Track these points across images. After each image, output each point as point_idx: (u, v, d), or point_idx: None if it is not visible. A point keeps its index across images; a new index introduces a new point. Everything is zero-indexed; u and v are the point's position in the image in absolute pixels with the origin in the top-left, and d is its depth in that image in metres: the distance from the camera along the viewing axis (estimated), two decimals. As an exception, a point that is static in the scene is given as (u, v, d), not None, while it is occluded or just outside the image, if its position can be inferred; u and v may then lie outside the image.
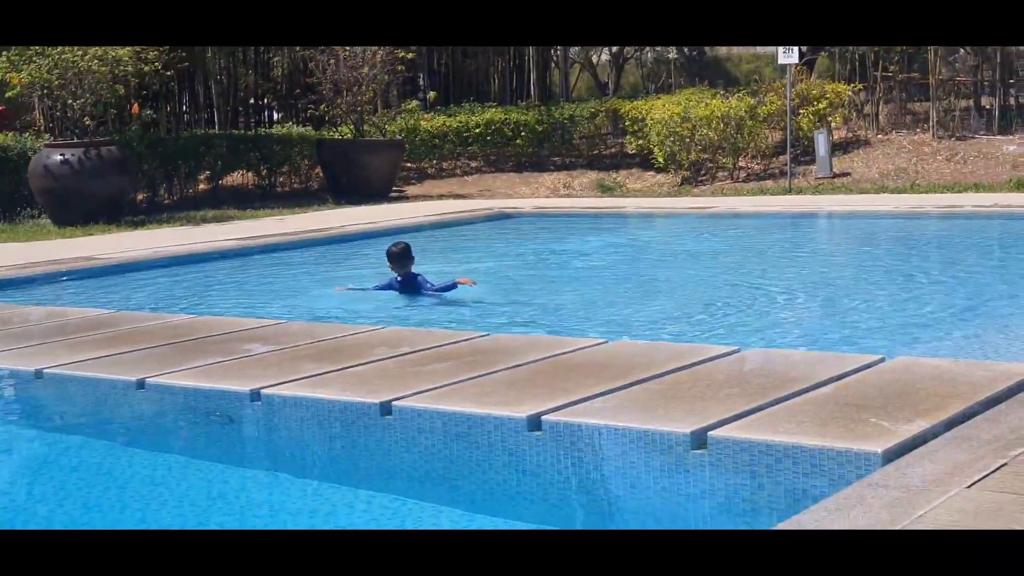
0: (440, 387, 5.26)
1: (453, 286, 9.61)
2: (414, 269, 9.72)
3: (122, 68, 17.68)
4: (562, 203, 19.79)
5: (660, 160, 22.08)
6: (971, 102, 23.94)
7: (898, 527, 3.41)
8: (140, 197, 20.04)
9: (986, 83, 23.87)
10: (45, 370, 6.18)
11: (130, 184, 18.54)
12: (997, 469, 3.89)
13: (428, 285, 9.64)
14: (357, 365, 5.82)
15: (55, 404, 6.24)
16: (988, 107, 23.36)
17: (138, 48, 17.78)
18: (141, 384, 5.78)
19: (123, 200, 17.87)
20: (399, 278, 9.68)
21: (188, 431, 5.65)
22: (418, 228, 15.79)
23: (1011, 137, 21.78)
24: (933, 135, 22.28)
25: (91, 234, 15.68)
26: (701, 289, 10.60)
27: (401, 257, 9.68)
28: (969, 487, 3.74)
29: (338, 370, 5.72)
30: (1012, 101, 23.22)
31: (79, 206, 16.64)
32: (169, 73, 19.80)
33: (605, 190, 21.93)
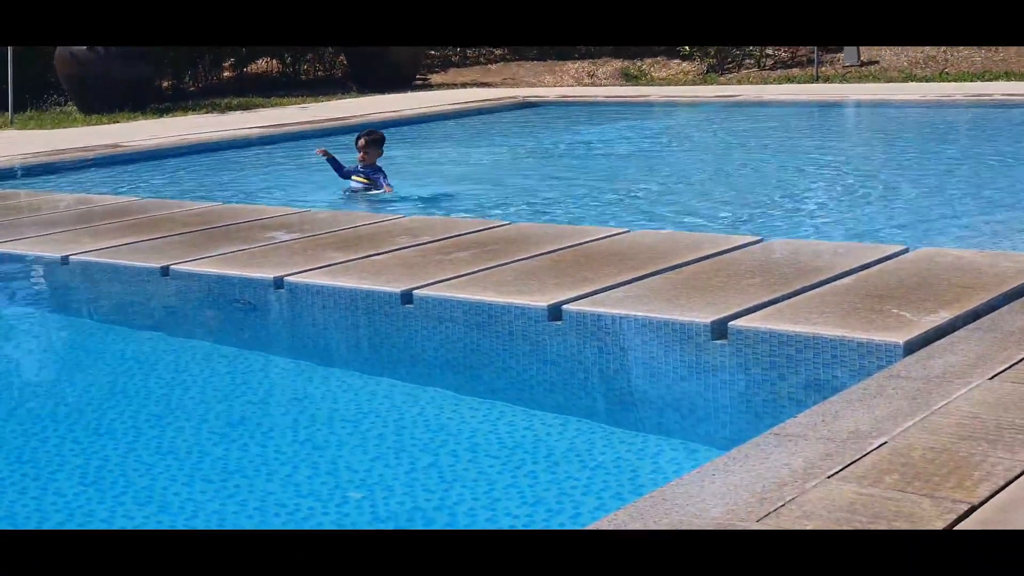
0: (461, 276, 5.27)
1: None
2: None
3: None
4: (586, 92, 19.64)
5: (686, 48, 21.84)
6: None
7: (919, 418, 3.41)
8: (165, 84, 19.98)
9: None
10: (71, 256, 6.22)
11: (155, 72, 18.48)
12: (1021, 360, 3.88)
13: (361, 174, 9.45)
14: (379, 254, 5.83)
15: (81, 290, 6.28)
16: (1022, -6, 22.97)
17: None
18: (165, 271, 5.81)
19: (148, 87, 17.84)
20: (362, 167, 9.48)
21: (212, 318, 5.69)
22: (441, 117, 15.72)
23: (1044, 25, 21.43)
24: (965, 23, 21.94)
25: (116, 121, 15.66)
26: (724, 178, 10.55)
27: (380, 144, 9.49)
28: (991, 378, 3.74)
29: (360, 258, 5.73)
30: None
31: (105, 93, 16.61)
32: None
33: (629, 79, 21.73)
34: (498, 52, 24.38)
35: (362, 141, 9.44)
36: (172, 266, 5.82)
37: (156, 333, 5.90)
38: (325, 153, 9.51)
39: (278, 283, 5.43)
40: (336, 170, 9.46)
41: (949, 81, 18.31)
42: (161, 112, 16.72)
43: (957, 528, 2.75)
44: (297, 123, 14.66)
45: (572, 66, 23.13)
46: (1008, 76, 18.32)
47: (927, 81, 18.49)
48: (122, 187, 10.48)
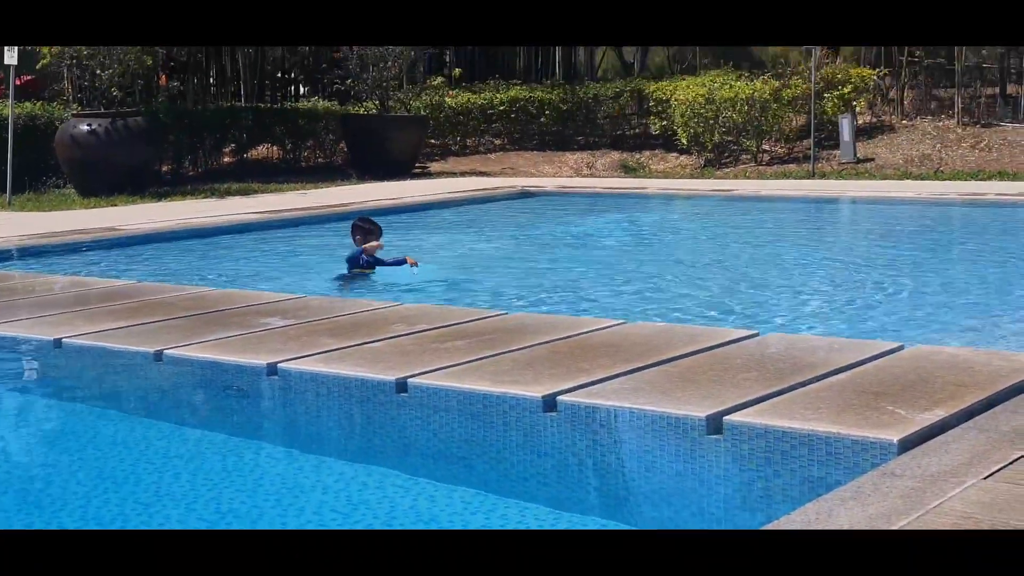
0: (456, 365, 5.26)
1: (401, 261, 9.58)
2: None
3: (148, 39, 17.71)
4: (585, 183, 19.76)
5: (683, 142, 22.01)
6: (997, 89, 23.77)
7: (913, 517, 3.39)
8: (165, 168, 20.08)
9: (1012, 70, 23.69)
10: (64, 339, 6.20)
11: (155, 155, 18.59)
12: (1015, 461, 3.87)
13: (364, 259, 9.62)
14: (375, 341, 5.82)
15: (74, 374, 6.26)
16: (1014, 94, 23.19)
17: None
18: (159, 356, 5.80)
19: (148, 171, 17.93)
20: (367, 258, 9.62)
21: (205, 404, 5.67)
22: (440, 205, 15.80)
23: (1038, 125, 21.64)
24: (958, 122, 22.14)
25: (115, 204, 15.73)
26: (721, 272, 10.58)
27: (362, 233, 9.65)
28: (986, 478, 3.72)
29: (355, 345, 5.72)
30: (1040, 89, 23.05)
31: (104, 176, 16.68)
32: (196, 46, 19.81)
33: (628, 171, 21.88)
34: (497, 142, 24.55)
35: (360, 234, 9.60)
36: (166, 351, 5.80)
37: (148, 418, 5.87)
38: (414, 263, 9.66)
39: (271, 370, 5.41)
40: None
41: (944, 179, 18.45)
42: (160, 196, 16.79)
43: None
44: (296, 209, 14.72)
45: (571, 157, 23.29)
46: (1001, 176, 18.47)
47: (922, 179, 18.63)
48: (118, 270, 10.49)
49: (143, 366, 5.84)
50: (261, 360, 5.49)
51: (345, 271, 9.67)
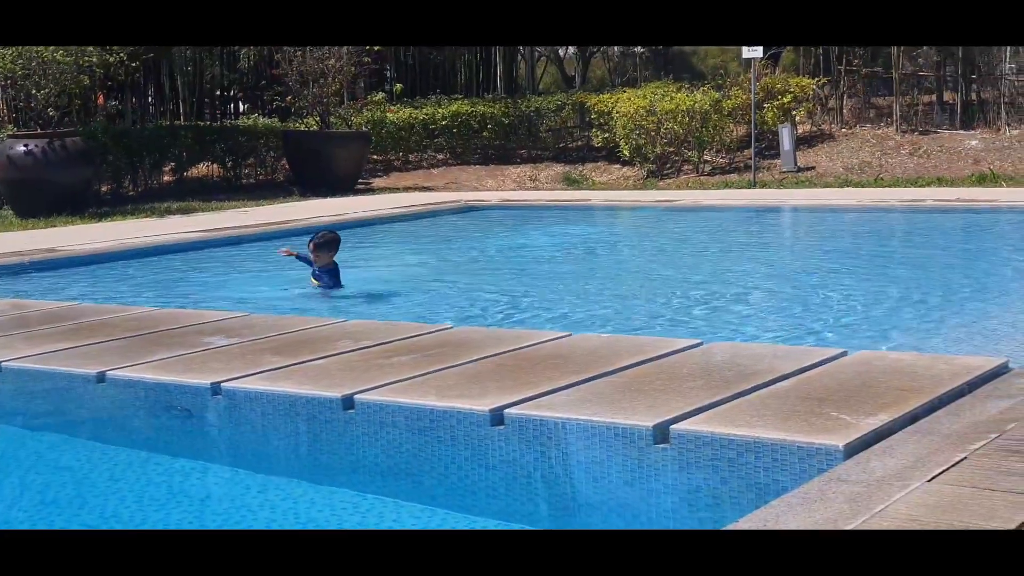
0: (403, 380, 5.24)
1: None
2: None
3: (87, 59, 17.57)
4: (528, 196, 19.79)
5: (626, 153, 22.12)
6: (934, 97, 24.07)
7: (859, 521, 3.42)
8: (104, 189, 19.92)
9: (949, 78, 24.00)
10: (4, 363, 6.13)
11: (94, 176, 18.44)
12: (957, 463, 3.90)
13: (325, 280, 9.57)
14: (320, 358, 5.80)
15: (15, 397, 6.18)
16: (951, 102, 23.50)
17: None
18: (101, 377, 5.74)
19: (87, 192, 17.77)
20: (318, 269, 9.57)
21: (149, 425, 5.61)
22: (384, 220, 15.77)
23: (973, 132, 21.93)
24: (897, 129, 22.41)
25: (54, 225, 15.57)
26: (665, 282, 10.62)
27: (334, 246, 9.60)
28: (929, 481, 3.75)
29: (301, 363, 5.69)
30: (974, 96, 23.36)
31: (42, 197, 16.52)
32: (135, 64, 19.68)
33: (571, 183, 21.95)
34: (440, 156, 24.56)
35: (311, 245, 9.52)
36: (108, 372, 5.75)
37: (92, 441, 5.81)
38: (289, 253, 9.63)
39: (215, 389, 5.37)
40: (306, 262, 9.60)
41: (884, 187, 18.64)
42: (100, 216, 16.64)
43: None
44: (237, 227, 14.64)
45: (514, 170, 23.34)
46: (940, 182, 18.69)
47: (862, 187, 18.81)
48: (58, 292, 10.38)
49: (85, 388, 5.78)
50: (205, 380, 5.45)
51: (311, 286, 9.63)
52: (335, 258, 9.54)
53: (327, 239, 9.55)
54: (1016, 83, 22.35)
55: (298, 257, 9.66)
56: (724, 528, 3.53)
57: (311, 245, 9.53)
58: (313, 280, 9.56)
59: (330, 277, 9.49)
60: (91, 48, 17.46)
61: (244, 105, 28.24)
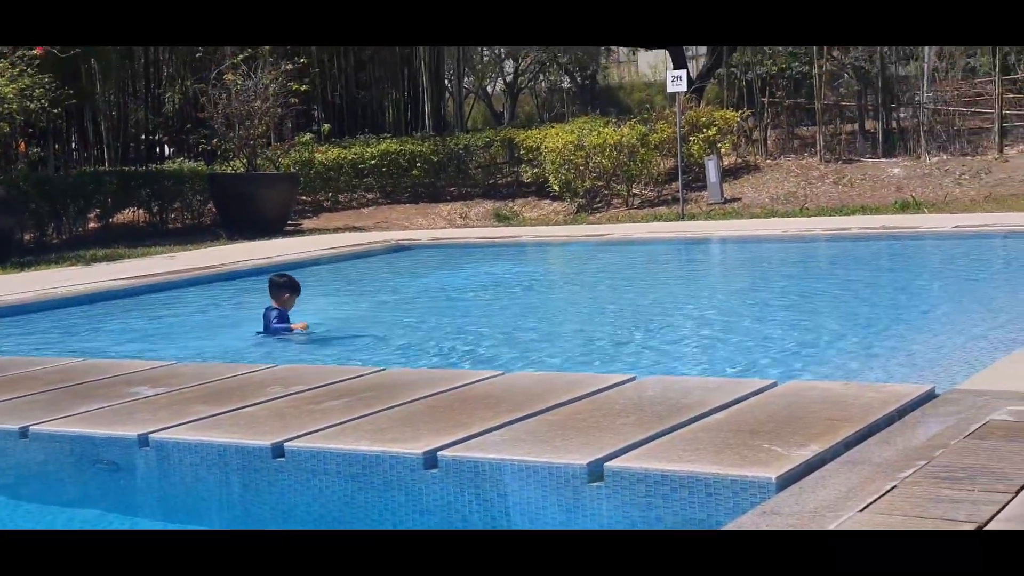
0: (334, 425, 5.19)
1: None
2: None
3: (6, 106, 17.35)
4: (459, 233, 19.78)
5: (555, 188, 22.19)
6: (856, 126, 24.40)
7: (793, 554, 3.41)
8: (28, 237, 19.64)
9: (870, 107, 24.34)
10: (-75, 420, 5.99)
11: (17, 224, 18.18)
12: (887, 492, 3.92)
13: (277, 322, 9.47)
14: (250, 406, 5.73)
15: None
16: (872, 130, 23.83)
17: (23, 86, 17.47)
18: (24, 432, 5.62)
19: (10, 241, 17.52)
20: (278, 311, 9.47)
21: (75, 480, 5.50)
22: (313, 262, 15.68)
23: (895, 160, 22.24)
24: (820, 159, 22.67)
25: (-24, 276, 15.32)
26: (597, 317, 10.64)
27: (293, 288, 9.51)
28: (861, 511, 3.77)
29: (230, 411, 5.62)
30: (895, 124, 23.71)
31: (-37, 248, 16.27)
32: (56, 111, 19.47)
33: (502, 219, 21.97)
34: (370, 196, 24.50)
35: (290, 288, 9.46)
36: (32, 427, 5.63)
37: (15, 500, 5.68)
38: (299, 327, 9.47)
39: (143, 441, 5.28)
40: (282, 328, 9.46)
41: (809, 216, 18.83)
42: (23, 266, 16.39)
43: None
44: (164, 273, 14.49)
45: (444, 208, 23.33)
46: (864, 210, 18.90)
47: (788, 217, 18.98)
48: (-17, 344, 10.20)
49: (8, 444, 5.66)
50: (132, 431, 5.36)
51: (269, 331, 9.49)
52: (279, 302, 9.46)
53: (273, 282, 9.52)
54: (934, 111, 22.71)
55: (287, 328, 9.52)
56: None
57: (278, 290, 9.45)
58: (299, 325, 9.43)
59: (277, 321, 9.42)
60: (11, 95, 17.25)
61: (169, 149, 28.04)
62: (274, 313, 9.43)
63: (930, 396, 5.26)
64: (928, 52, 23.32)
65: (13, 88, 17.32)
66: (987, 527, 3.54)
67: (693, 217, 19.75)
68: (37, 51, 18.21)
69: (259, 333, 9.51)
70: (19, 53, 17.83)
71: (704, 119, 22.27)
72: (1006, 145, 21.99)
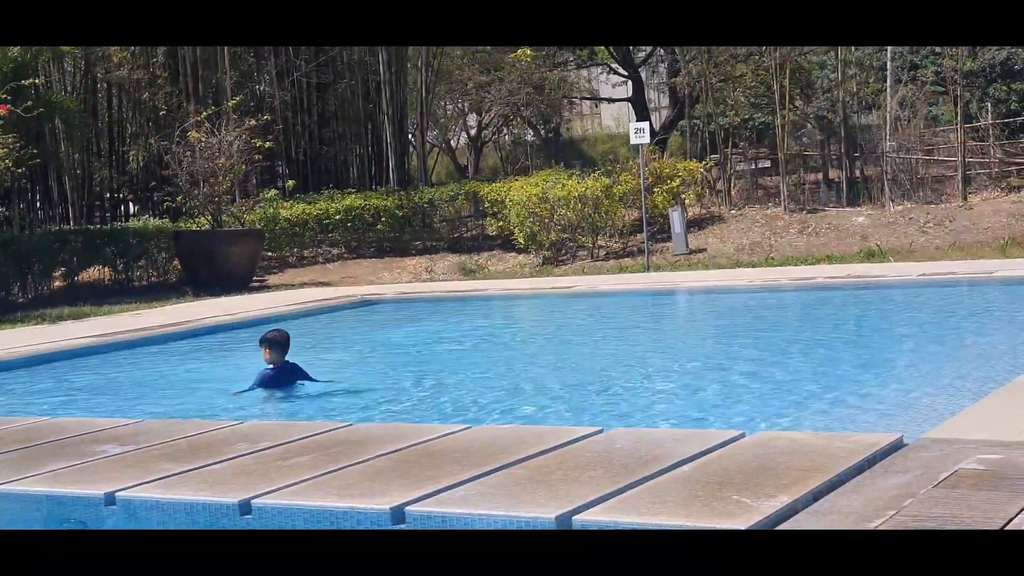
0: (302, 482, 5.16)
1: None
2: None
3: (-30, 166, 17.30)
4: (424, 288, 19.77)
5: (521, 241, 22.25)
6: (820, 175, 24.60)
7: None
8: (-9, 296, 19.52)
9: (833, 156, 24.56)
10: None
11: (-20, 283, 18.08)
12: (858, 541, 3.92)
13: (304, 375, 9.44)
14: (216, 463, 5.69)
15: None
16: (836, 180, 24.02)
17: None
18: (-11, 493, 5.57)
19: (-27, 300, 17.40)
20: (273, 368, 9.37)
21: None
22: (279, 318, 15.62)
23: (859, 208, 22.41)
24: (785, 209, 22.83)
25: (-61, 336, 15.20)
26: (564, 369, 10.64)
27: (285, 345, 9.41)
28: (831, 560, 3.76)
29: (196, 468, 5.58)
30: (858, 173, 23.91)
31: (-74, 308, 16.14)
32: (20, 170, 19.40)
33: (467, 273, 21.99)
34: (335, 251, 24.49)
35: (277, 345, 9.34)
36: (-3, 486, 5.58)
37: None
38: (238, 394, 9.37)
39: (109, 499, 5.24)
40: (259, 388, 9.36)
41: (774, 266, 18.92)
42: (-12, 325, 16.29)
43: None
44: (129, 331, 14.41)
45: (410, 262, 23.34)
46: (830, 259, 19.02)
47: (753, 267, 19.07)
48: (-54, 404, 10.11)
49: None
50: (98, 490, 5.31)
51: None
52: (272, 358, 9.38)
53: (265, 338, 9.43)
54: (897, 160, 22.92)
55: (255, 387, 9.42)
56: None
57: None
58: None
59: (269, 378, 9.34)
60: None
61: (134, 207, 27.97)
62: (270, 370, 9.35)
63: (899, 445, 5.27)
64: (890, 101, 23.57)
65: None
66: None
67: (659, 268, 19.83)
68: (0, 111, 18.17)
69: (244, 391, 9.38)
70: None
71: (668, 170, 22.41)
72: (969, 193, 22.22)
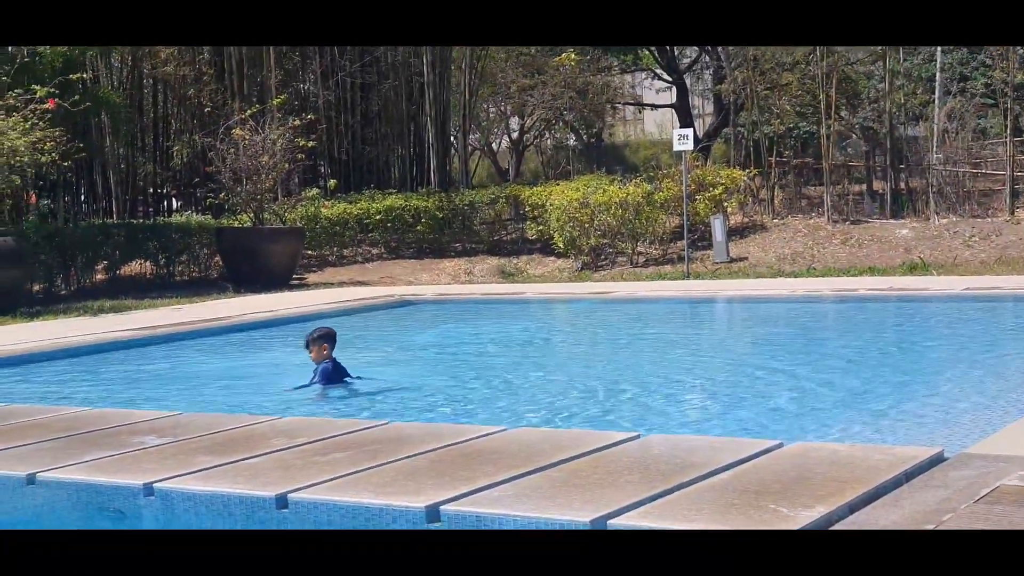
0: (338, 478, 5.18)
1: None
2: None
3: (18, 159, 17.43)
4: (463, 289, 19.80)
5: (560, 245, 22.24)
6: (864, 187, 24.45)
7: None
8: (36, 288, 19.68)
9: (878, 167, 24.41)
10: (-70, 467, 5.99)
11: (26, 275, 18.23)
12: (895, 553, 3.90)
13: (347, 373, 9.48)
14: (254, 456, 5.72)
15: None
16: (880, 191, 23.88)
17: (35, 139, 17.56)
18: (31, 479, 5.63)
19: (19, 291, 17.55)
20: (331, 363, 9.41)
21: (81, 527, 5.49)
22: (318, 316, 15.68)
23: (903, 220, 22.27)
24: (828, 219, 22.71)
25: (-16, 325, 15.35)
26: (602, 374, 10.62)
27: (335, 340, 9.45)
28: (868, 572, 3.74)
29: (234, 462, 5.61)
30: (903, 185, 23.76)
31: (-28, 297, 16.30)
32: (67, 163, 19.56)
33: (506, 276, 22.00)
34: (375, 251, 24.56)
35: (330, 340, 9.40)
36: (38, 474, 5.63)
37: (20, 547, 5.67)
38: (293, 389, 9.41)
39: (148, 490, 5.28)
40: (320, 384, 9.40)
41: (816, 276, 18.83)
42: (32, 316, 16.42)
43: None
44: (171, 324, 14.50)
45: (449, 264, 23.38)
46: (872, 271, 18.91)
47: (795, 277, 18.98)
48: (-12, 393, 10.21)
49: (15, 490, 5.66)
50: (137, 480, 5.35)
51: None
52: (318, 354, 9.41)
53: (311, 336, 9.45)
54: (943, 173, 22.75)
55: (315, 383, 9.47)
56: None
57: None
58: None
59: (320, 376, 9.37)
60: (22, 148, 17.34)
61: (177, 202, 28.15)
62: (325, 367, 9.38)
63: (939, 459, 5.23)
64: (938, 112, 23.40)
65: (25, 141, 17.40)
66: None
67: (698, 276, 19.77)
68: (49, 104, 18.33)
69: (303, 387, 9.42)
70: (31, 107, 17.94)
71: (710, 178, 22.35)
72: (1017, 207, 22.00)
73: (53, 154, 18.02)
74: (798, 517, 4.29)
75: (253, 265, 20.56)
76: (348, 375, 9.52)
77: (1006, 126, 22.76)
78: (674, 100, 33.67)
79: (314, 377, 9.38)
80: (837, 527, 4.24)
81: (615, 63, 34.20)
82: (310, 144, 22.04)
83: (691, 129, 22.99)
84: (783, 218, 23.42)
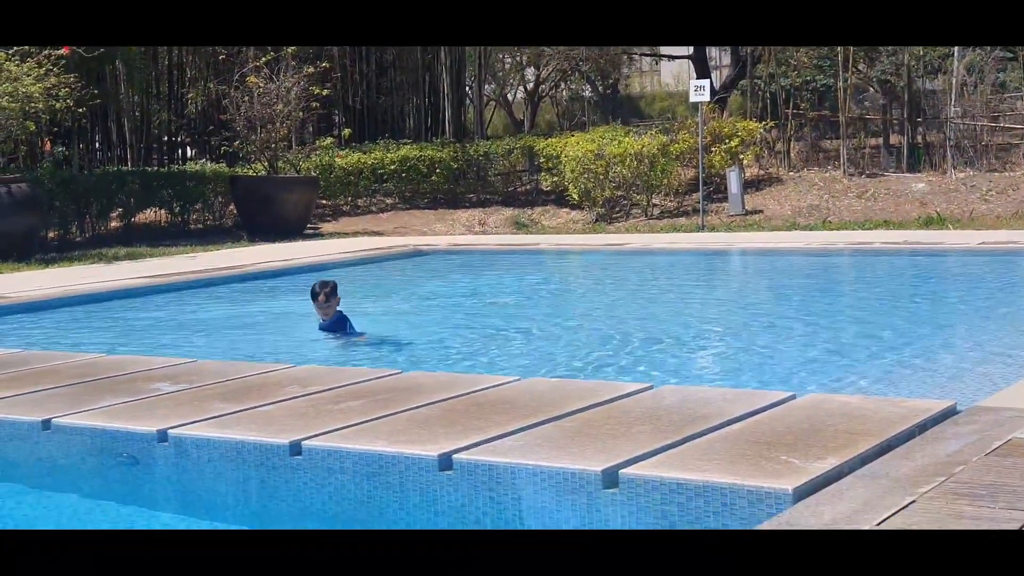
0: (351, 426, 5.20)
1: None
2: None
3: (33, 105, 17.43)
4: (477, 240, 19.79)
5: (575, 197, 22.19)
6: (880, 140, 24.32)
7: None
8: (51, 235, 19.74)
9: (895, 121, 24.28)
10: (-54, 412, 6.03)
11: (41, 222, 18.27)
12: (905, 507, 3.91)
13: (350, 327, 9.45)
14: (268, 404, 5.75)
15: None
16: (897, 145, 23.75)
17: (49, 85, 17.55)
18: (47, 424, 5.66)
19: (34, 238, 17.60)
20: (339, 313, 9.41)
21: (95, 472, 5.53)
22: (332, 265, 15.70)
23: (919, 175, 22.16)
24: (844, 172, 22.61)
25: (0, 272, 15.40)
26: (616, 325, 10.62)
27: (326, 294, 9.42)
28: (878, 524, 3.75)
29: (248, 409, 5.64)
30: (920, 139, 23.62)
31: (-12, 243, 16.35)
32: (81, 110, 19.55)
33: (520, 227, 21.98)
34: (389, 201, 24.54)
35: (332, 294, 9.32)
36: (53, 419, 5.67)
37: (36, 489, 5.72)
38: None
39: (162, 436, 5.31)
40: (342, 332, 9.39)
41: (831, 229, 18.77)
42: (47, 263, 16.48)
43: None
44: (185, 272, 14.54)
45: (463, 214, 23.36)
46: (887, 224, 18.85)
47: (810, 230, 18.93)
48: (4, 339, 10.25)
49: (30, 435, 5.70)
50: (151, 427, 5.39)
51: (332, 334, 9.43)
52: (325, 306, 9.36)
53: (314, 291, 9.41)
54: (961, 126, 22.61)
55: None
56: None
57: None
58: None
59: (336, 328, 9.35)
60: (37, 94, 17.33)
61: (192, 150, 28.13)
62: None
63: (951, 412, 5.24)
64: (957, 66, 23.23)
65: (39, 87, 17.39)
66: (1005, 542, 3.52)
67: (713, 229, 19.73)
68: (63, 51, 18.30)
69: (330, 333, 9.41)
70: (45, 53, 17.91)
71: (727, 130, 22.24)
72: (1034, 162, 21.89)
73: (68, 100, 18.01)
74: (809, 468, 4.30)
75: (267, 214, 20.56)
76: (353, 327, 9.51)
77: (1025, 79, 22.62)
78: (691, 51, 33.48)
79: (329, 326, 9.38)
80: (832, 488, 4.25)
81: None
82: (324, 92, 21.98)
83: (708, 80, 22.86)
84: (799, 171, 23.33)
